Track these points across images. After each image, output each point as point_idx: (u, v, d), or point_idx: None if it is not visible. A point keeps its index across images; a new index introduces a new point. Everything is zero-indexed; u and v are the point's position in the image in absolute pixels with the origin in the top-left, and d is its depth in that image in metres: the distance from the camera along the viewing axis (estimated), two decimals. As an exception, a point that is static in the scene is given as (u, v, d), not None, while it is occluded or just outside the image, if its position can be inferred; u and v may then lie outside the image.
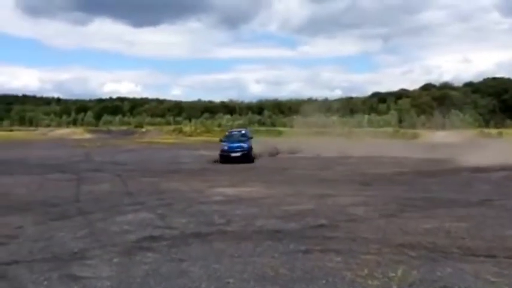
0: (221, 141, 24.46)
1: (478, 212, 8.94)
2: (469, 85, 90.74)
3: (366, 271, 5.03)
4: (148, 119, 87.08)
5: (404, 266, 5.13)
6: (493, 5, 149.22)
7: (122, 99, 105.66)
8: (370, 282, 4.69)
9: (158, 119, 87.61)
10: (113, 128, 74.04)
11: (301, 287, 4.62)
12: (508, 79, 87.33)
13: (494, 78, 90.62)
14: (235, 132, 26.57)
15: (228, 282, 4.76)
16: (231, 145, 23.31)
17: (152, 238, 6.74)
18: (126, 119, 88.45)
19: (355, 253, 5.79)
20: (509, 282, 4.64)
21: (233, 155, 22.62)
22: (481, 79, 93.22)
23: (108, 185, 13.54)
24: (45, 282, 4.84)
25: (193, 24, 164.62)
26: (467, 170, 17.61)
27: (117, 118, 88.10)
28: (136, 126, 75.68)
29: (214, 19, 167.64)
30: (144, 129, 69.47)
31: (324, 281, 4.74)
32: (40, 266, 5.41)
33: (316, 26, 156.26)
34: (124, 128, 74.21)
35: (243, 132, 26.47)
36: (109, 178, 15.36)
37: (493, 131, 50.78)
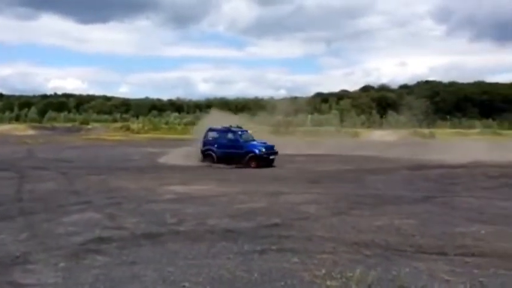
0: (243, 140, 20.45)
1: (423, 208, 9.25)
2: (404, 87, 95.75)
3: (323, 271, 5.00)
4: (94, 116, 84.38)
5: (361, 266, 5.15)
6: (427, 12, 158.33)
7: (67, 96, 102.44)
8: (329, 282, 4.66)
9: (105, 116, 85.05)
10: (57, 124, 70.92)
11: (260, 289, 4.52)
12: (440, 82, 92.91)
13: (427, 82, 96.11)
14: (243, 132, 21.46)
15: (184, 286, 4.58)
16: (264, 145, 20.44)
17: (101, 240, 6.41)
18: (71, 115, 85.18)
19: (311, 253, 5.77)
20: (464, 281, 4.76)
21: (271, 157, 20.07)
22: (415, 82, 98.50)
23: (53, 183, 12.85)
24: (-18, 291, 4.45)
25: (142, 23, 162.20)
26: (407, 167, 18.25)
27: (62, 115, 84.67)
28: (82, 123, 72.94)
29: (163, 18, 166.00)
30: (90, 126, 67.06)
31: (282, 283, 4.67)
32: (-24, 273, 4.98)
33: (263, 28, 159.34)
34: (69, 124, 71.31)
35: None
36: (53, 176, 14.59)
37: (426, 131, 53.55)
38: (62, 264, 5.27)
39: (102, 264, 5.27)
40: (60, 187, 12.04)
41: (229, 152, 19.86)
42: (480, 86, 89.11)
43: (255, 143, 20.57)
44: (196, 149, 21.14)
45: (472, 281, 4.77)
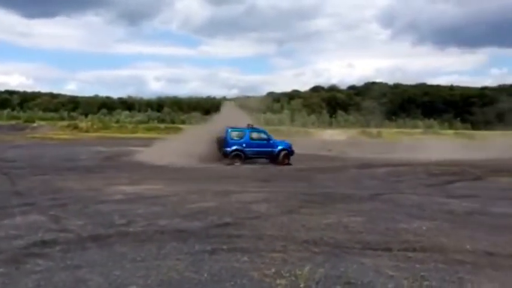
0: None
1: (370, 206, 9.54)
2: (352, 88, 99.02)
3: (273, 270, 5.05)
4: (40, 114, 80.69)
5: (310, 263, 5.24)
6: (373, 17, 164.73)
7: (10, 92, 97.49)
8: (278, 281, 4.71)
9: (51, 114, 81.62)
10: (0, 122, 67.39)
11: (209, 290, 4.50)
12: (386, 84, 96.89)
13: (373, 83, 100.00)
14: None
15: (131, 289, 4.48)
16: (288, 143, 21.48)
17: (44, 243, 6.14)
18: (15, 113, 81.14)
19: (261, 251, 5.81)
20: (407, 276, 4.96)
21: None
22: (362, 83, 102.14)
23: (-7, 184, 12.20)
24: None
25: (92, 18, 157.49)
26: (356, 166, 18.79)
27: (6, 112, 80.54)
28: (26, 121, 69.61)
29: (114, 14, 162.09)
30: (35, 124, 64.09)
31: (232, 283, 4.67)
32: None
33: (216, 28, 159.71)
34: (13, 122, 67.93)
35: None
36: (-7, 177, 13.84)
37: (374, 130, 55.57)
38: (1, 270, 5.00)
39: (45, 269, 5.05)
40: (1, 188, 11.43)
41: (260, 151, 20.66)
42: (422, 88, 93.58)
43: (280, 140, 21.76)
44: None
45: (414, 275, 4.98)
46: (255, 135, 20.83)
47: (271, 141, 20.96)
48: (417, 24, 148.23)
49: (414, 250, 5.99)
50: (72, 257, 5.51)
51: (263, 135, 21.10)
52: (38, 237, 6.45)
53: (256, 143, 20.65)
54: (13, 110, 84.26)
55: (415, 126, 66.02)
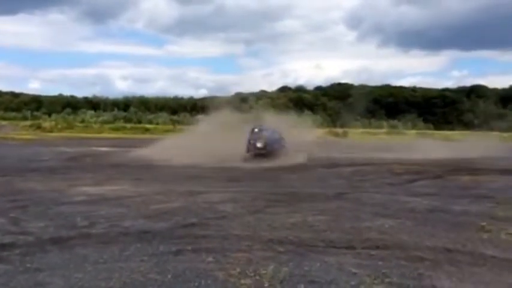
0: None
1: (335, 205, 9.68)
2: (319, 89, 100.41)
3: (238, 270, 5.06)
4: (1, 113, 77.91)
5: (275, 262, 5.29)
6: (340, 18, 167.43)
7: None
8: (242, 281, 4.72)
9: (13, 114, 78.88)
10: (-42, 122, 64.71)
11: (173, 292, 4.46)
12: (352, 85, 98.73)
13: (340, 84, 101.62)
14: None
15: (93, 292, 4.40)
16: None
17: (2, 246, 5.94)
18: (-26, 112, 78.16)
19: (226, 251, 5.81)
20: (370, 273, 5.06)
21: None
22: (329, 84, 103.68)
23: None
24: None
25: (55, 16, 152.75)
26: (322, 165, 19.02)
27: (-36, 111, 77.46)
28: (-14, 121, 67.11)
29: (79, 12, 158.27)
30: (-4, 124, 62.10)
31: (196, 284, 4.65)
32: None
33: (183, 27, 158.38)
34: (-28, 122, 65.41)
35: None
36: None
37: (340, 130, 56.48)
38: (-46, 275, 4.82)
39: (3, 273, 4.89)
40: (-45, 190, 10.99)
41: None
42: (386, 89, 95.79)
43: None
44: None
45: (376, 272, 5.09)
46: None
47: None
48: (382, 26, 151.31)
49: (377, 248, 6.12)
50: (32, 260, 5.36)
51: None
52: (-5, 240, 6.24)
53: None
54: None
55: (380, 126, 67.47)
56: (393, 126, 68.47)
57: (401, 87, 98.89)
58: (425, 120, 79.73)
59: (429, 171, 17.26)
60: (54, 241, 6.27)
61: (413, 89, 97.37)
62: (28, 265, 5.19)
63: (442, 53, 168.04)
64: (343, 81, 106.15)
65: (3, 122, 65.15)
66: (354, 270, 5.13)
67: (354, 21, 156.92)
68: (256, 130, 22.15)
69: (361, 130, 60.09)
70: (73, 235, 6.64)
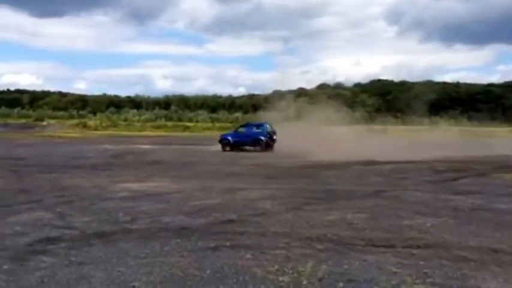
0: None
1: (374, 203, 9.51)
2: (358, 86, 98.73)
3: (276, 267, 5.05)
4: (49, 113, 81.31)
5: (313, 260, 5.25)
6: (379, 14, 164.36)
7: (21, 92, 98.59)
8: (281, 278, 4.71)
9: (61, 113, 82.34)
10: (10, 121, 67.97)
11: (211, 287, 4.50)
12: (392, 81, 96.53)
13: (379, 80, 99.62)
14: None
15: (134, 287, 4.50)
16: None
17: (49, 240, 6.19)
18: (25, 112, 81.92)
19: (265, 248, 5.81)
20: (411, 273, 4.93)
21: None
22: (368, 81, 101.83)
23: (1, 181, 12.29)
24: None
25: (100, 18, 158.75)
26: (360, 163, 18.71)
27: (16, 111, 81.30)
28: (36, 120, 70.24)
29: (122, 14, 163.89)
30: (45, 123, 64.69)
31: (234, 280, 4.68)
32: None
33: (222, 26, 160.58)
34: (23, 121, 68.52)
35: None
36: (2, 174, 13.92)
37: (379, 127, 55.32)
38: (5, 267, 5.05)
39: (49, 266, 5.09)
40: (8, 185, 11.54)
41: None
42: (428, 85, 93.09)
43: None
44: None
45: (417, 272, 4.96)
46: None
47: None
48: (424, 21, 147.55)
49: (418, 247, 5.96)
50: (77, 254, 5.55)
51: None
52: (43, 234, 6.52)
53: None
54: (23, 108, 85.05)
55: (421, 123, 65.71)
56: (435, 123, 66.46)
57: (444, 83, 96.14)
58: (469, 117, 77.07)
59: (472, 168, 16.70)
60: (98, 235, 6.47)
61: (457, 85, 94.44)
62: (73, 258, 5.38)
63: (487, 47, 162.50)
64: (382, 77, 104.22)
65: (51, 121, 68.06)
66: (394, 270, 5.01)
67: (394, 17, 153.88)
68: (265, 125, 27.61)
69: (401, 127, 58.70)
70: (115, 230, 6.83)
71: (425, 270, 5.01)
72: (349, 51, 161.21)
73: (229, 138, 27.43)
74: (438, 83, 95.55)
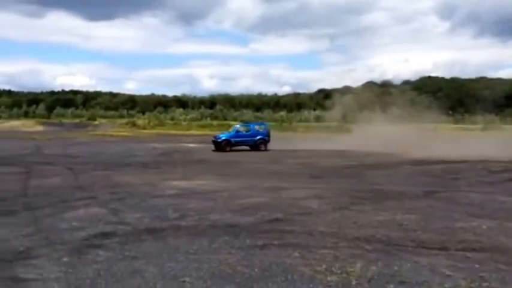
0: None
1: (425, 203, 9.23)
2: (407, 83, 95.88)
3: (324, 266, 5.02)
4: (101, 112, 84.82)
5: (362, 261, 5.17)
6: (431, 9, 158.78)
7: (74, 92, 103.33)
8: (329, 278, 4.67)
9: (111, 112, 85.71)
10: (65, 120, 71.44)
11: (260, 285, 4.52)
12: (443, 78, 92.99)
13: (430, 77, 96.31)
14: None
15: (184, 281, 4.60)
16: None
17: (104, 235, 6.45)
18: (78, 111, 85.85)
19: (312, 247, 5.78)
20: (465, 276, 4.76)
21: None
22: (418, 78, 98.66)
23: (59, 178, 12.92)
24: (-15, 286, 4.49)
25: (148, 20, 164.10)
26: (409, 162, 18.21)
27: (70, 111, 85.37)
28: (89, 119, 73.47)
29: (169, 15, 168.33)
30: (97, 122, 67.59)
31: (283, 278, 4.68)
32: (-21, 267, 5.02)
33: (267, 25, 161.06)
34: (77, 120, 71.90)
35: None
36: (59, 171, 14.66)
37: (429, 126, 53.47)
38: (64, 259, 5.31)
39: (104, 259, 5.31)
40: (65, 183, 12.11)
41: None
42: (482, 81, 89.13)
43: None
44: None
45: (473, 276, 4.78)
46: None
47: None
48: (478, 15, 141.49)
49: (473, 250, 5.74)
50: (130, 249, 5.75)
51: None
52: (98, 229, 6.79)
53: None
54: (77, 108, 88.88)
55: (474, 122, 63.06)
56: (490, 122, 63.59)
57: (499, 80, 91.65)
58: (527, 115, 73.21)
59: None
60: (149, 231, 6.66)
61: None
62: (126, 253, 5.57)
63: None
64: (433, 74, 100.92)
65: (103, 120, 70.79)
66: (447, 272, 4.85)
67: (447, 11, 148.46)
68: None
69: (453, 126, 56.62)
70: (166, 226, 7.01)
71: (481, 274, 4.82)
72: (398, 48, 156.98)
73: (229, 138, 26.76)
74: (493, 79, 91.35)
